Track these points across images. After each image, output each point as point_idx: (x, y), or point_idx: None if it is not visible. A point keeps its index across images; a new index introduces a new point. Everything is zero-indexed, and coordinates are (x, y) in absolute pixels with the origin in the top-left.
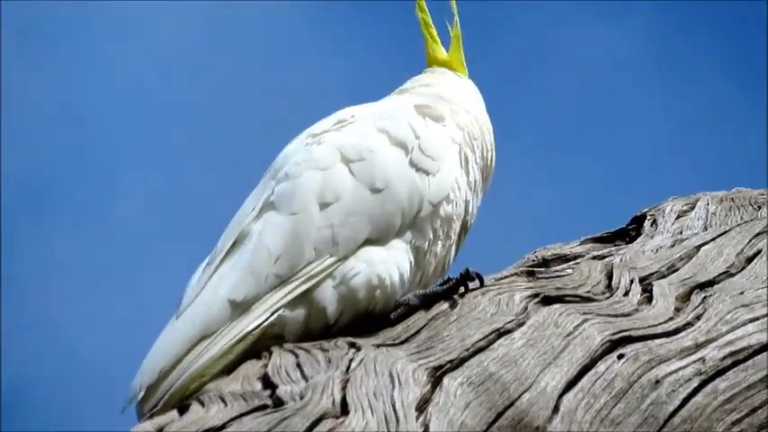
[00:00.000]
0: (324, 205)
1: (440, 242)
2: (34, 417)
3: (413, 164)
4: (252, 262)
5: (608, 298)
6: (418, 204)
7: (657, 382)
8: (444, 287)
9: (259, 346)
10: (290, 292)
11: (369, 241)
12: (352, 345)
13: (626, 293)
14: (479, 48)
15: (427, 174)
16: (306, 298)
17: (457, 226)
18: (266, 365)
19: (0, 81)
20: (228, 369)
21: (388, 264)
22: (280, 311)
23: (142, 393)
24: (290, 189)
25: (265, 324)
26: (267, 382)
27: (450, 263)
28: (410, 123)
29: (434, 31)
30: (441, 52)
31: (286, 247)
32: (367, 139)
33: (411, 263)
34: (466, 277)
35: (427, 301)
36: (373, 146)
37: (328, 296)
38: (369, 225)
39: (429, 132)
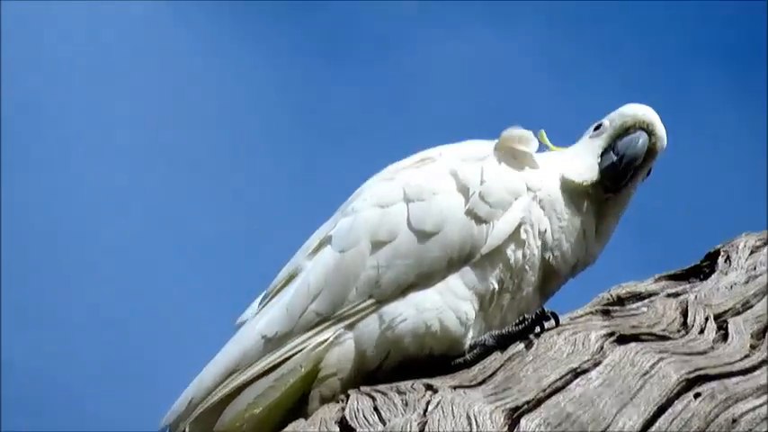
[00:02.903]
0: (376, 244)
1: (507, 294)
2: None
3: (470, 210)
4: (292, 299)
5: (683, 336)
6: (469, 250)
7: (734, 420)
8: (520, 327)
9: (323, 385)
10: (325, 330)
11: (414, 285)
12: (428, 387)
13: (701, 331)
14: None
15: (484, 221)
16: (350, 338)
17: (531, 277)
18: (343, 409)
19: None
20: (287, 407)
21: (442, 310)
22: (323, 348)
23: (170, 422)
24: (348, 225)
25: (297, 357)
26: (345, 426)
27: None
28: (482, 167)
29: None
30: None
31: (328, 283)
32: (434, 181)
33: (474, 308)
34: (541, 317)
35: (503, 342)
36: (437, 188)
37: (372, 339)
38: (415, 269)
39: (497, 177)
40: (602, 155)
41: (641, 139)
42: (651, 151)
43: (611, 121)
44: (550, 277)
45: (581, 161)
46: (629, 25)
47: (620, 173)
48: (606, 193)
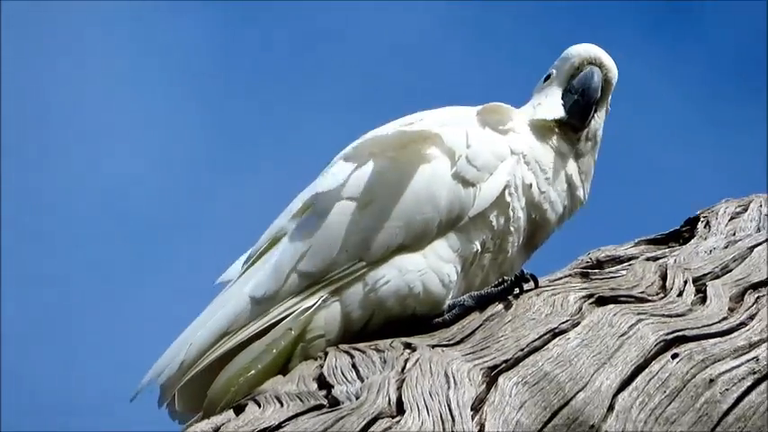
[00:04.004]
0: (362, 205)
1: (488, 254)
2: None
3: (457, 173)
4: (279, 259)
5: (662, 298)
6: (458, 213)
7: (712, 380)
8: (499, 288)
9: (311, 347)
10: (314, 293)
11: (403, 247)
12: (407, 345)
13: (680, 294)
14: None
15: (471, 184)
16: (336, 300)
17: (515, 239)
18: (322, 366)
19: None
20: (278, 368)
21: (424, 271)
22: (311, 311)
23: (161, 382)
24: (331, 186)
25: (287, 321)
26: (323, 383)
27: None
28: (467, 131)
29: None
30: None
31: (315, 245)
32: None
33: (457, 270)
34: (520, 278)
35: (482, 302)
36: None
37: (356, 301)
38: (404, 230)
39: (483, 141)
40: (563, 97)
41: (595, 72)
42: (606, 83)
43: (557, 68)
44: (537, 231)
45: (545, 105)
46: None
47: (583, 107)
48: (576, 132)
